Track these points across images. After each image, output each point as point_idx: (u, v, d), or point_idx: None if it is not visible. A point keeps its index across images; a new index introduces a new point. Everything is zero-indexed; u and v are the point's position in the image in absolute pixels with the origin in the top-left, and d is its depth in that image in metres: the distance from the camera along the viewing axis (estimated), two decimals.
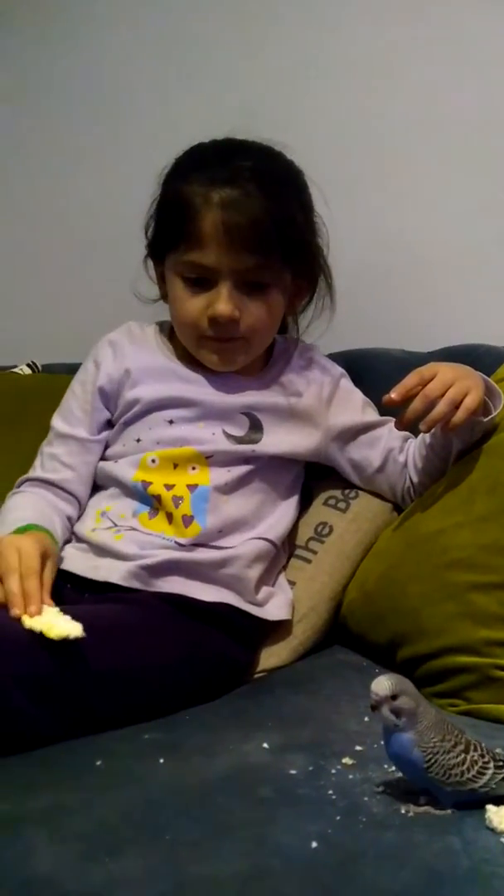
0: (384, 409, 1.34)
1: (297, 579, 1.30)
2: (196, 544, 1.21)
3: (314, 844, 0.72)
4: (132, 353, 1.32)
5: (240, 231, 1.17)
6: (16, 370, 1.67)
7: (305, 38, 1.66)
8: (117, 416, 1.31)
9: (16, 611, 1.01)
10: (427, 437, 1.27)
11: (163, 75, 1.76)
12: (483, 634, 1.06)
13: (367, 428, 1.34)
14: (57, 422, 1.33)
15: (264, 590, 1.24)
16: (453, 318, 1.56)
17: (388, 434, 1.33)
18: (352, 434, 1.33)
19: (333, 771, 0.85)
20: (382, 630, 1.19)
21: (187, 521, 1.22)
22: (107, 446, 1.32)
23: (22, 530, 1.17)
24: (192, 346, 1.28)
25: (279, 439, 1.28)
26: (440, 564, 1.13)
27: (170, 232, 1.25)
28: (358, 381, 1.50)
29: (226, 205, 1.18)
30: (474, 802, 0.77)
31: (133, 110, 1.79)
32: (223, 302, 1.21)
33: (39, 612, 1.00)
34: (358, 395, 1.37)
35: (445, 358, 1.46)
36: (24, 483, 1.31)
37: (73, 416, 1.32)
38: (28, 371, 1.67)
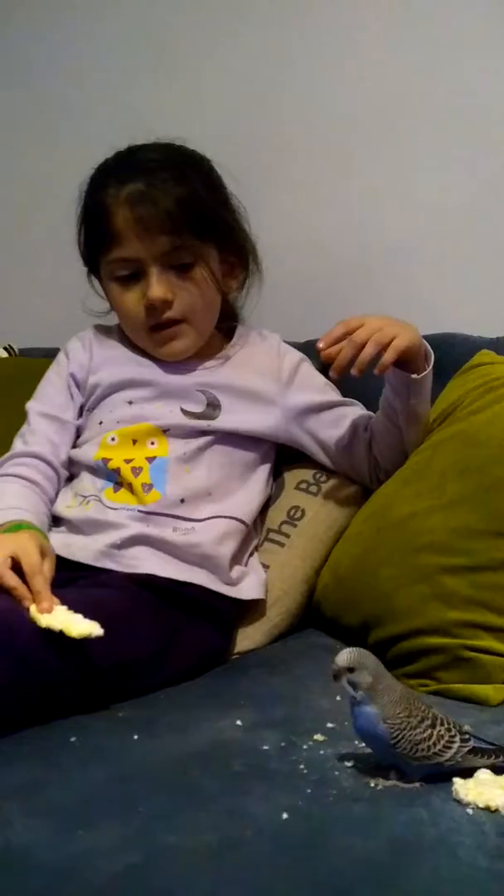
0: (347, 393, 1.39)
1: (271, 563, 1.32)
2: (159, 513, 1.23)
3: (285, 816, 0.73)
4: (96, 346, 1.38)
5: (150, 218, 1.24)
6: None
7: (277, 28, 1.68)
8: (84, 403, 1.36)
9: (32, 607, 1.01)
10: (380, 410, 1.30)
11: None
12: (453, 616, 1.08)
13: (330, 406, 1.37)
14: (34, 405, 1.37)
15: (237, 569, 1.25)
16: (429, 307, 1.57)
17: (353, 413, 1.36)
18: (313, 412, 1.36)
19: (305, 747, 0.87)
20: (355, 613, 1.20)
21: (146, 488, 1.24)
22: (78, 436, 1.35)
23: (15, 528, 1.17)
24: (140, 341, 1.34)
25: (237, 417, 1.31)
26: (412, 548, 1.15)
27: (93, 239, 1.32)
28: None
29: (133, 197, 1.25)
30: (441, 775, 0.79)
31: (100, 96, 1.81)
32: (154, 286, 1.26)
33: (51, 610, 1.00)
34: (319, 377, 1.40)
35: None
36: (8, 461, 1.32)
37: (51, 401, 1.36)
38: (5, 354, 1.68)
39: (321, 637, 1.27)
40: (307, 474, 1.39)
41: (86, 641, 0.98)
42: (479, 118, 1.55)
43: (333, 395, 1.39)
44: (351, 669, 0.79)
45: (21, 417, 1.38)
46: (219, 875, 0.67)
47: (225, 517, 1.26)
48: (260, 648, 1.25)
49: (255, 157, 1.63)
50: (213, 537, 1.23)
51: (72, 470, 1.34)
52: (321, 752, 0.86)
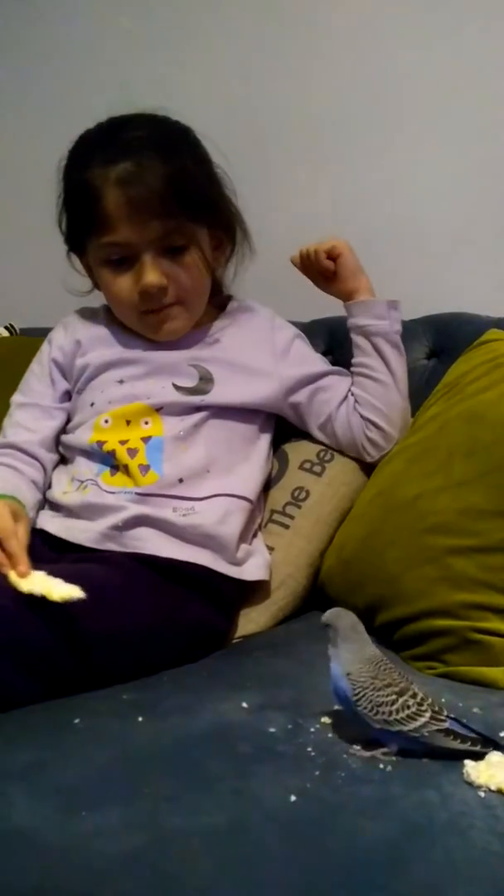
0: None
1: (276, 545, 1.30)
2: (157, 494, 1.21)
3: (293, 798, 0.72)
4: (82, 328, 1.37)
5: (142, 202, 1.20)
6: None
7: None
8: (73, 385, 1.34)
9: (9, 571, 1.01)
10: (356, 365, 1.35)
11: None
12: (461, 598, 1.07)
13: (323, 376, 1.37)
14: (16, 397, 1.37)
15: (243, 548, 1.24)
16: (437, 286, 1.56)
17: (342, 380, 1.37)
18: (307, 383, 1.35)
19: (312, 730, 0.85)
20: (361, 595, 1.18)
21: (143, 469, 1.23)
22: (69, 421, 1.34)
23: None
24: (132, 324, 1.32)
25: (230, 390, 1.30)
26: (419, 529, 1.13)
27: (81, 221, 1.28)
28: (338, 348, 1.51)
29: (123, 180, 1.20)
30: (419, 752, 0.79)
31: (103, 71, 1.79)
32: (149, 273, 1.24)
33: (28, 573, 0.99)
34: (313, 351, 1.42)
35: (430, 324, 1.47)
36: None
37: (31, 390, 1.36)
38: (6, 334, 1.66)
39: None
40: (311, 454, 1.38)
41: (73, 608, 0.98)
42: (488, 98, 1.53)
43: (325, 365, 1.40)
44: (326, 626, 0.85)
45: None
46: (226, 858, 0.65)
47: (226, 495, 1.25)
48: (264, 631, 1.23)
49: (258, 133, 1.61)
50: (215, 517, 1.22)
51: (66, 454, 1.32)
52: (329, 734, 0.84)
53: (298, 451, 1.38)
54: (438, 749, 0.78)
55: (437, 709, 0.80)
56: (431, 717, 0.79)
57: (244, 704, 0.92)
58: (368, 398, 1.33)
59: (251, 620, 1.24)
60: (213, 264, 1.33)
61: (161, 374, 1.29)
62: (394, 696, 0.79)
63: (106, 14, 1.78)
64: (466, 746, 0.78)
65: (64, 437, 1.32)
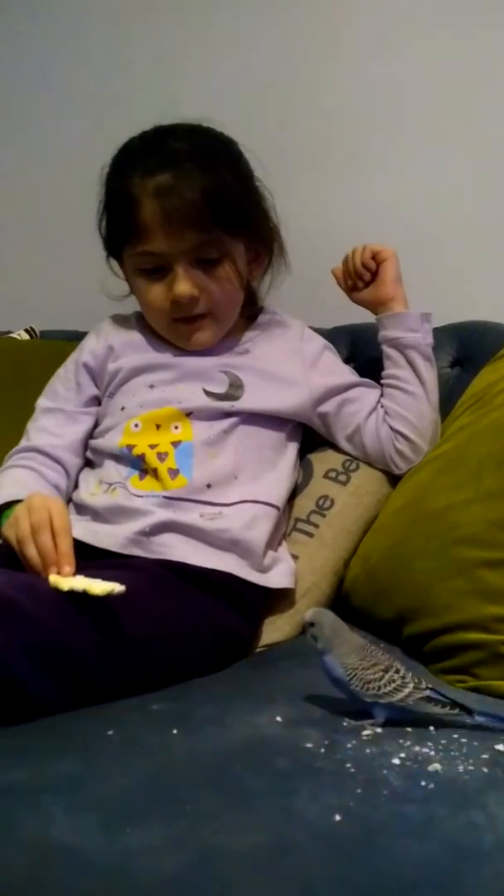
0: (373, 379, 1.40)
1: (300, 553, 1.30)
2: (185, 499, 1.21)
3: (337, 817, 0.71)
4: (115, 333, 1.38)
5: (178, 213, 1.21)
6: (13, 335, 1.65)
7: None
8: (103, 390, 1.35)
9: (53, 569, 1.03)
10: (387, 377, 1.35)
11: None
12: (492, 611, 1.06)
13: (351, 387, 1.37)
14: (42, 401, 1.38)
15: (269, 555, 1.24)
16: (462, 295, 1.55)
17: (371, 392, 1.37)
18: (335, 393, 1.35)
19: (349, 745, 0.85)
20: (387, 606, 1.18)
21: (173, 473, 1.23)
22: (98, 425, 1.34)
23: (9, 512, 1.17)
24: (164, 332, 1.33)
25: (260, 397, 1.30)
26: (449, 540, 1.13)
27: (118, 229, 1.30)
28: (360, 355, 1.51)
29: (161, 191, 1.22)
30: (406, 721, 0.89)
31: (132, 70, 1.78)
32: (181, 283, 1.25)
33: (73, 574, 1.00)
34: (341, 363, 1.43)
35: (453, 333, 1.47)
36: (9, 458, 1.32)
37: (57, 394, 1.37)
38: (26, 336, 1.65)
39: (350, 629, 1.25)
40: (336, 462, 1.37)
41: (103, 614, 0.99)
42: None
43: (354, 377, 1.40)
44: (312, 624, 0.93)
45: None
46: (275, 879, 0.64)
47: (253, 501, 1.25)
48: (289, 640, 1.23)
49: (285, 140, 1.61)
50: (242, 522, 1.22)
51: (94, 459, 1.33)
52: (367, 750, 0.83)
53: (323, 460, 1.38)
54: (421, 715, 0.88)
55: (416, 680, 0.90)
56: (414, 688, 0.89)
57: (278, 718, 0.91)
58: (399, 410, 1.32)
59: (276, 629, 1.23)
60: (247, 277, 1.33)
61: (192, 380, 1.30)
62: (380, 673, 0.89)
63: (130, 18, 1.77)
64: (446, 711, 0.88)
65: (92, 442, 1.32)
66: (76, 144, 1.78)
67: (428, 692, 0.89)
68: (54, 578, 1.02)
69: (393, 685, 0.89)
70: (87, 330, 1.63)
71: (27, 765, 0.82)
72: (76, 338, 1.63)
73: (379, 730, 0.89)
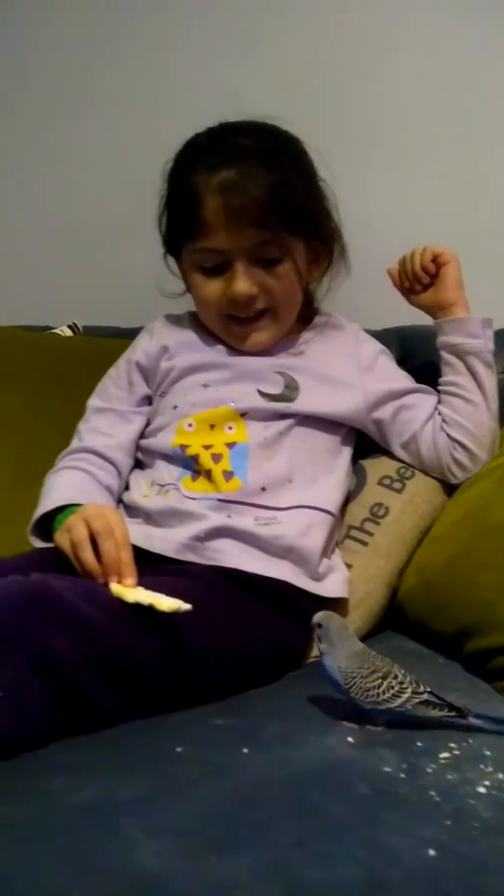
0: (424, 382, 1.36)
1: (354, 562, 1.27)
2: (239, 502, 1.19)
3: (431, 852, 0.68)
4: (168, 333, 1.35)
5: (241, 210, 1.19)
6: (56, 331, 1.62)
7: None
8: (155, 389, 1.32)
9: (114, 578, 1.01)
10: (445, 384, 1.32)
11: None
12: None
13: (408, 393, 1.33)
14: (94, 401, 1.35)
15: (325, 562, 1.21)
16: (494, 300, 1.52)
17: (429, 398, 1.33)
18: (391, 398, 1.32)
19: (429, 770, 0.82)
20: (447, 619, 1.15)
21: (227, 476, 1.21)
22: (149, 425, 1.31)
23: (70, 512, 1.14)
24: (218, 330, 1.30)
25: (316, 399, 1.27)
26: None
27: (179, 225, 1.27)
28: (411, 357, 1.47)
29: (224, 187, 1.19)
30: (407, 724, 0.90)
31: (180, 67, 1.74)
32: (240, 281, 1.22)
33: (135, 585, 0.97)
34: (397, 367, 1.38)
35: None
36: (62, 459, 1.29)
37: (109, 394, 1.34)
38: (69, 332, 1.62)
39: (405, 641, 1.22)
40: (390, 469, 1.34)
41: (162, 623, 0.96)
42: None
43: (410, 382, 1.36)
44: (319, 626, 0.95)
45: (86, 396, 1.37)
46: None
47: (309, 507, 1.22)
48: None
49: (345, 138, 1.58)
50: (297, 528, 1.19)
51: (145, 459, 1.30)
52: (448, 776, 0.80)
53: (377, 467, 1.34)
54: (421, 719, 0.90)
55: (415, 685, 0.91)
56: (413, 693, 0.90)
57: (350, 739, 0.88)
58: (457, 418, 1.29)
59: None
60: (306, 278, 1.30)
61: (246, 380, 1.27)
62: (379, 681, 0.91)
63: (170, 17, 1.74)
64: (443, 713, 0.90)
65: (143, 441, 1.30)
66: (124, 143, 1.76)
67: (426, 696, 0.91)
68: (116, 588, 0.99)
69: (391, 692, 0.90)
70: (129, 326, 1.61)
71: (97, 782, 0.79)
72: (118, 334, 1.61)
73: (457, 752, 0.85)
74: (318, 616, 0.96)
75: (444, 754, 0.85)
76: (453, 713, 0.90)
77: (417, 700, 0.90)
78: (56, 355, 1.55)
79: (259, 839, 0.70)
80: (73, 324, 1.63)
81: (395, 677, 0.92)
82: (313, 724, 0.93)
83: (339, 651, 0.94)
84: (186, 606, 0.96)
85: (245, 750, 0.85)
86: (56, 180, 1.83)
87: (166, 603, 0.95)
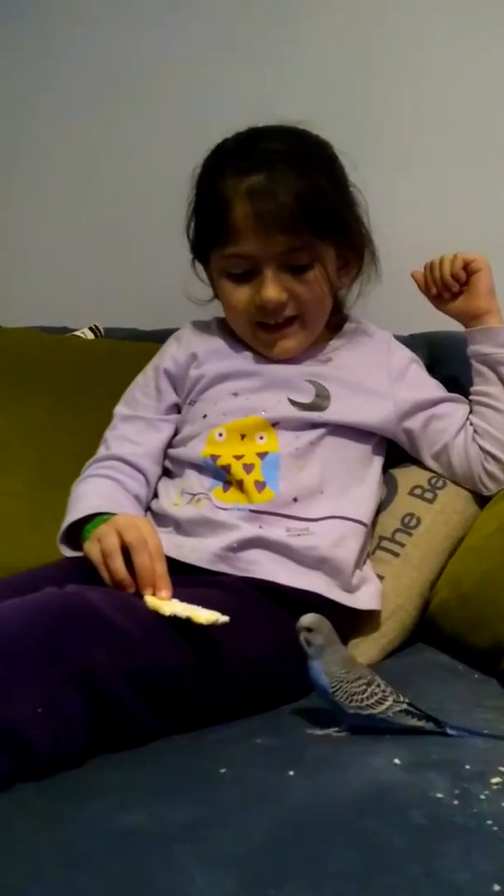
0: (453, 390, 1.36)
1: (386, 574, 1.25)
2: (271, 513, 1.17)
3: (496, 888, 0.66)
4: (197, 340, 1.33)
5: (271, 216, 1.17)
6: (78, 333, 1.60)
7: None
8: (184, 397, 1.30)
9: (149, 590, 0.99)
10: (476, 394, 1.30)
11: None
12: None
13: (439, 402, 1.32)
14: (121, 408, 1.33)
15: (357, 574, 1.19)
16: None
17: (461, 407, 1.32)
18: (422, 408, 1.30)
19: (482, 797, 0.79)
20: (484, 633, 1.13)
21: (259, 486, 1.19)
22: (177, 433, 1.29)
23: (101, 521, 1.12)
24: (247, 337, 1.28)
25: (347, 407, 1.25)
26: None
27: (207, 230, 1.25)
28: (439, 364, 1.45)
29: (254, 193, 1.18)
30: (374, 728, 0.92)
31: (210, 71, 1.72)
32: (269, 287, 1.21)
33: (170, 597, 0.95)
34: (428, 377, 1.36)
35: None
36: (90, 466, 1.27)
37: (137, 401, 1.32)
38: (90, 335, 1.60)
39: (437, 654, 1.21)
40: (422, 479, 1.32)
41: (198, 635, 0.95)
42: None
43: (441, 391, 1.34)
44: (309, 630, 0.94)
45: (109, 399, 1.35)
46: None
47: (341, 517, 1.20)
48: (375, 665, 1.18)
49: (375, 142, 1.56)
50: (330, 539, 1.17)
51: (173, 468, 1.28)
52: (503, 803, 0.78)
53: (408, 477, 1.33)
54: (399, 726, 0.92)
55: (396, 694, 0.94)
56: (394, 701, 0.93)
57: (396, 761, 0.86)
58: (489, 429, 1.27)
59: (361, 653, 1.19)
60: (336, 284, 1.28)
61: (277, 388, 1.25)
62: (363, 686, 0.92)
63: (201, 18, 1.71)
64: (422, 723, 0.92)
65: (172, 451, 1.27)
66: (147, 144, 1.74)
67: (405, 705, 0.93)
68: (152, 601, 0.97)
69: (375, 698, 0.92)
70: (151, 329, 1.59)
71: (143, 805, 0.77)
72: (137, 337, 1.59)
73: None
74: (308, 620, 0.95)
75: (496, 779, 0.82)
76: (431, 723, 0.92)
77: (398, 709, 0.92)
78: (79, 358, 1.53)
79: (317, 872, 0.68)
80: (95, 326, 1.60)
81: (378, 685, 0.93)
82: (357, 744, 0.91)
83: (329, 656, 0.94)
84: (224, 618, 0.94)
85: (291, 773, 0.83)
86: (81, 182, 1.81)
87: (204, 615, 0.94)
